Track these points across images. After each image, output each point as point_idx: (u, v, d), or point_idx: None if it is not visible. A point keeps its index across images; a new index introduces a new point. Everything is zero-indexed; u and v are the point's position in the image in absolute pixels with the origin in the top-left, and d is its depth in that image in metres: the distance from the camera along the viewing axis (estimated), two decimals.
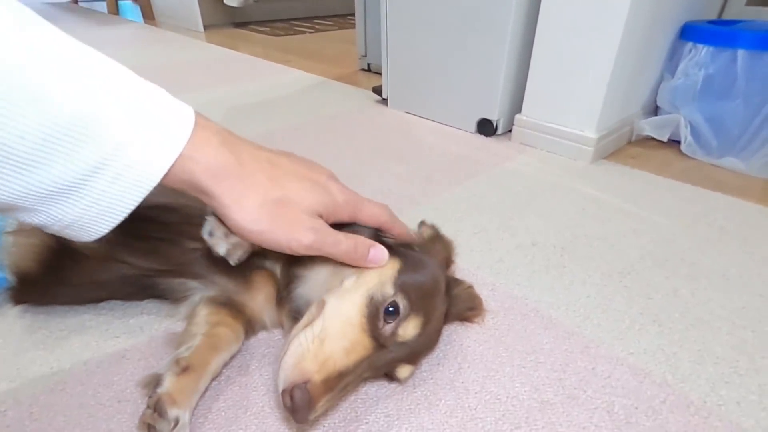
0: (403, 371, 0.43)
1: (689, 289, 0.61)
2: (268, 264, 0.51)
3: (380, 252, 0.44)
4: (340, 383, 0.38)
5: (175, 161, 0.33)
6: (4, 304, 0.54)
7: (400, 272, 0.44)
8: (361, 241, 0.43)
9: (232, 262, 0.42)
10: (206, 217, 0.41)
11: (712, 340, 0.52)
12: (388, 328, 0.41)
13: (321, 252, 0.41)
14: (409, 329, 0.42)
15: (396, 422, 0.43)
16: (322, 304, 0.42)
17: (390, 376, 0.44)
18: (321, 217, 0.41)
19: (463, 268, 0.63)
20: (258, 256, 0.48)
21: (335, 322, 0.40)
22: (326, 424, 0.42)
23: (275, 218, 0.38)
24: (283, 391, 0.37)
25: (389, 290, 0.42)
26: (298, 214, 0.39)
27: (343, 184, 0.46)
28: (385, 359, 0.41)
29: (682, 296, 0.59)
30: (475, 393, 0.46)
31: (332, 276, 0.46)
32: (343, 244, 0.42)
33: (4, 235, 0.49)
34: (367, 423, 0.42)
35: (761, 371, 0.48)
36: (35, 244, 0.49)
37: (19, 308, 0.54)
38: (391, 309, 0.41)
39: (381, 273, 0.43)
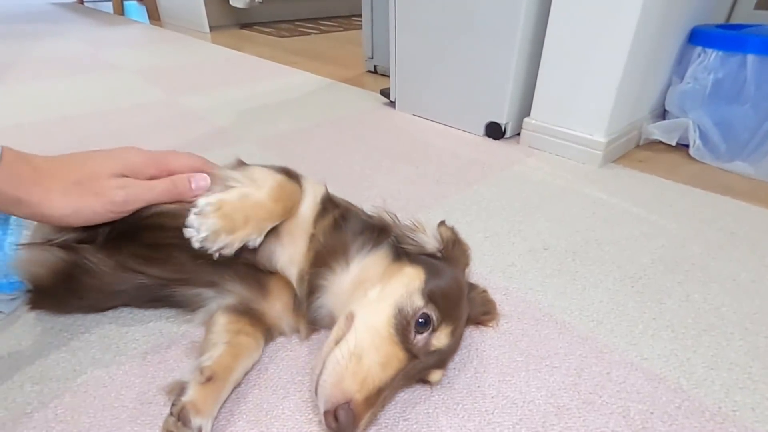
0: (434, 376, 0.45)
1: (701, 294, 0.61)
2: (281, 267, 0.50)
3: (201, 179, 0.49)
4: (380, 398, 0.39)
5: None
6: (24, 307, 0.55)
7: (426, 281, 0.44)
8: (178, 177, 0.48)
9: (215, 257, 0.43)
10: (198, 207, 0.43)
11: (726, 346, 0.53)
12: (420, 339, 0.42)
13: (141, 201, 0.46)
14: (441, 338, 0.43)
15: (414, 426, 0.43)
16: (350, 318, 0.42)
17: (422, 380, 0.45)
18: (127, 176, 0.46)
19: (476, 272, 0.64)
20: (268, 259, 0.49)
21: (367, 337, 0.40)
22: None
23: (82, 195, 0.43)
24: (326, 413, 0.37)
25: (419, 302, 0.43)
26: (101, 181, 0.44)
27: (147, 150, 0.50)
28: (419, 368, 0.42)
29: (695, 301, 0.60)
30: (492, 397, 0.46)
31: (355, 286, 0.46)
32: (158, 186, 0.47)
33: (18, 247, 0.50)
34: (386, 427, 0.43)
35: None
36: (47, 257, 0.49)
37: (38, 313, 0.55)
38: (422, 321, 0.42)
39: (408, 284, 0.44)
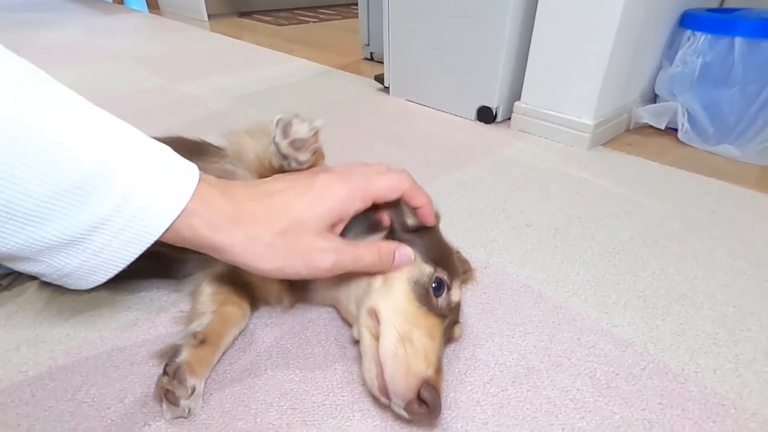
0: (456, 331, 0.48)
1: (676, 267, 0.63)
2: None
3: (405, 251, 0.44)
4: (442, 365, 0.41)
5: (179, 216, 0.34)
6: (24, 279, 0.57)
7: (420, 251, 0.46)
8: (384, 248, 0.43)
9: (305, 158, 0.42)
10: (276, 120, 0.43)
11: (694, 314, 0.55)
12: (442, 301, 0.45)
13: (346, 270, 0.41)
14: (456, 293, 0.47)
15: None
16: (372, 312, 0.43)
17: (449, 339, 0.48)
18: (335, 225, 0.40)
19: (459, 247, 0.66)
20: None
21: (401, 319, 0.41)
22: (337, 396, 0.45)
23: (288, 251, 0.37)
24: (410, 402, 0.37)
25: (427, 269, 0.45)
26: (309, 238, 0.38)
27: (340, 167, 0.45)
28: (449, 324, 0.45)
29: (669, 273, 0.62)
30: (465, 360, 0.48)
31: (354, 278, 0.47)
32: (366, 257, 0.41)
33: None
34: (363, 385, 0.45)
35: (739, 343, 0.51)
36: None
37: (37, 283, 0.57)
38: (436, 285, 0.45)
39: None
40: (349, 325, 0.51)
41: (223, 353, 0.48)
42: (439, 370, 0.40)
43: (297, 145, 0.43)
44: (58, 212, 0.30)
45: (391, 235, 0.48)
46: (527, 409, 0.43)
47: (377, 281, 0.45)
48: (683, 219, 0.75)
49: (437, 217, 0.52)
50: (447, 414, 0.42)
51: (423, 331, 0.41)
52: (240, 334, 0.50)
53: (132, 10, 2.91)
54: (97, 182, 0.30)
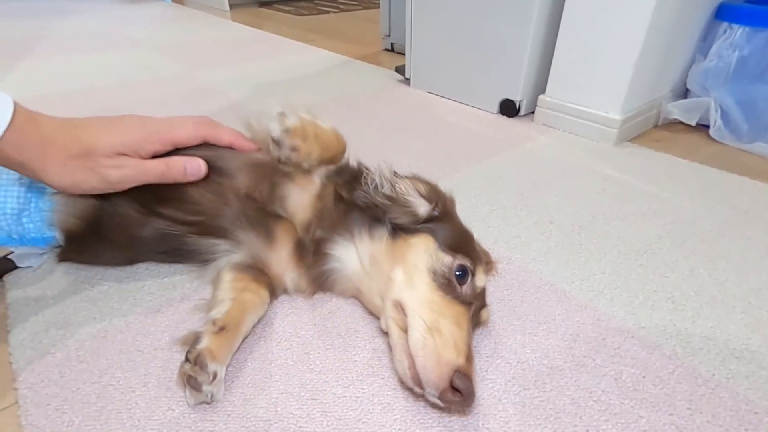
0: (484, 315, 0.48)
1: (706, 269, 0.61)
2: (291, 211, 0.53)
3: (195, 163, 0.50)
4: (472, 351, 0.41)
5: None
6: (51, 261, 0.58)
7: (438, 240, 0.46)
8: (173, 161, 0.49)
9: (292, 144, 0.48)
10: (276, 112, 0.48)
11: (726, 318, 0.53)
12: (466, 288, 0.45)
13: (134, 182, 0.47)
14: (481, 278, 0.47)
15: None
16: (398, 305, 0.44)
17: (476, 325, 0.48)
18: (126, 154, 0.46)
19: (480, 242, 0.65)
20: (281, 201, 0.52)
21: (427, 310, 0.42)
22: (356, 391, 0.45)
23: (78, 170, 0.45)
24: (443, 391, 0.38)
25: (446, 258, 0.45)
26: (99, 159, 0.45)
27: (156, 117, 0.50)
28: (476, 310, 0.45)
29: (699, 275, 0.60)
30: (486, 357, 0.48)
31: (369, 266, 0.48)
32: (154, 169, 0.48)
33: (53, 195, 0.53)
34: (383, 378, 0.45)
35: None
36: (80, 202, 0.53)
37: (64, 267, 0.58)
38: (459, 272, 0.45)
39: (425, 249, 0.46)
40: (375, 317, 0.51)
41: (244, 339, 0.48)
42: (470, 357, 0.40)
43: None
44: None
45: (396, 231, 0.48)
46: (550, 409, 0.42)
47: (398, 274, 0.45)
48: (714, 219, 0.72)
49: (451, 200, 0.52)
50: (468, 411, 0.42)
51: (450, 320, 0.41)
52: (259, 320, 0.51)
53: (156, 0, 2.94)
54: None
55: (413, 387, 0.41)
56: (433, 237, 0.47)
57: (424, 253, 0.46)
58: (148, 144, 0.48)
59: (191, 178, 0.50)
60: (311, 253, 0.51)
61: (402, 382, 0.43)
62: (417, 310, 0.42)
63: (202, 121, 0.53)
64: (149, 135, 0.48)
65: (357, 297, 0.53)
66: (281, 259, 0.53)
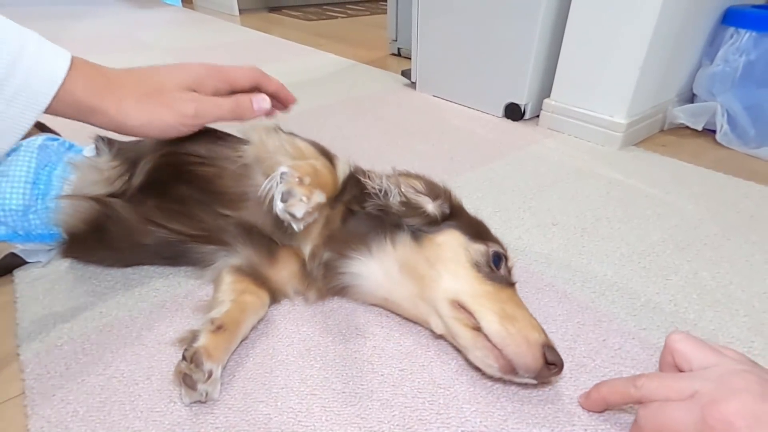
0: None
1: (710, 272, 0.60)
2: (296, 240, 0.52)
3: (262, 100, 0.52)
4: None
5: (62, 84, 0.39)
6: (58, 258, 0.60)
7: (464, 231, 0.48)
8: (241, 97, 0.50)
9: (298, 227, 0.42)
10: (280, 173, 0.42)
11: (729, 321, 0.53)
12: (503, 271, 0.47)
13: (208, 116, 0.48)
14: (511, 259, 0.49)
15: (409, 376, 0.45)
16: (455, 305, 0.44)
17: None
18: (195, 90, 0.47)
19: None
20: (288, 235, 0.52)
21: (488, 302, 0.43)
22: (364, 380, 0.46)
23: (155, 106, 0.45)
24: (541, 370, 0.40)
25: (480, 248, 0.47)
26: (172, 94, 0.46)
27: (210, 62, 0.51)
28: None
29: (702, 278, 0.59)
30: None
31: (398, 274, 0.48)
32: (225, 104, 0.49)
33: (59, 198, 0.54)
34: (382, 375, 0.45)
35: None
36: (84, 207, 0.53)
37: (71, 262, 0.60)
38: (495, 259, 0.46)
39: (457, 244, 0.47)
40: (411, 321, 0.51)
41: (242, 340, 0.48)
42: (543, 329, 0.42)
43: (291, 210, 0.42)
44: None
45: (417, 234, 0.48)
46: (548, 408, 0.42)
47: (442, 274, 0.45)
48: (719, 223, 0.72)
49: (452, 192, 0.52)
50: (466, 408, 0.42)
51: (511, 304, 0.43)
52: (259, 322, 0.51)
53: (166, 4, 2.99)
54: None
55: (504, 376, 0.42)
56: (460, 231, 0.48)
57: (459, 248, 0.47)
58: (210, 79, 0.49)
59: (260, 113, 0.52)
60: (321, 275, 0.51)
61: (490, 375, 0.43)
62: (481, 304, 0.43)
63: (254, 67, 0.55)
64: (210, 72, 0.49)
65: (383, 306, 0.53)
66: (282, 276, 0.53)
